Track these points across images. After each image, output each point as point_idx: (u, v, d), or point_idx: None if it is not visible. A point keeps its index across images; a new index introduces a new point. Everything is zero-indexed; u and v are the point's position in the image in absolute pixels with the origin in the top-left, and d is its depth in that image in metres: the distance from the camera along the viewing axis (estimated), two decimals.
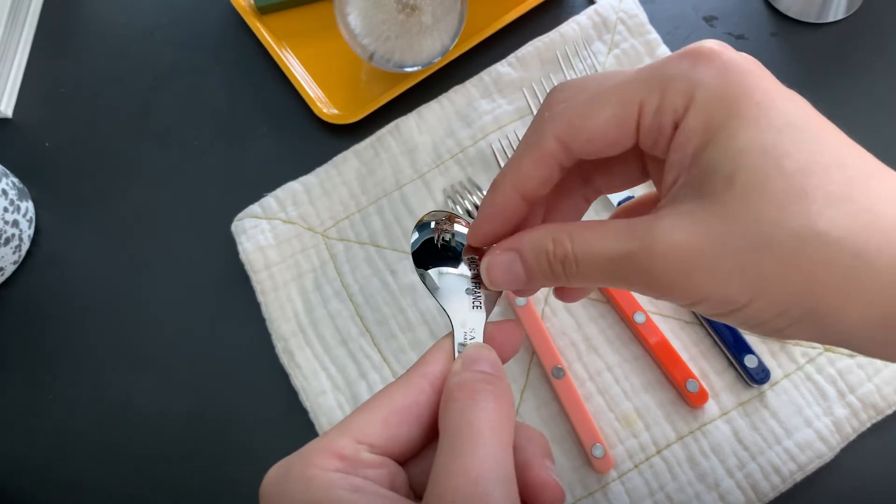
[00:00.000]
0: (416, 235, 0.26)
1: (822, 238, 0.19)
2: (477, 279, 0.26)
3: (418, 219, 0.27)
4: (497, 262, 0.24)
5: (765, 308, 0.20)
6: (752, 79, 0.21)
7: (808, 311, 0.20)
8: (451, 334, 0.25)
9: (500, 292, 0.26)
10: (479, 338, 0.25)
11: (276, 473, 0.22)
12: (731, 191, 0.20)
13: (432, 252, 0.26)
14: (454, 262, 0.26)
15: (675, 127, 0.21)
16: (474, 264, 0.26)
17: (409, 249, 0.42)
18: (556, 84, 0.25)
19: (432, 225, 0.26)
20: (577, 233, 0.22)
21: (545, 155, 0.23)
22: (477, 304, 0.25)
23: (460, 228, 0.26)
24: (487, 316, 0.25)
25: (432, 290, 0.25)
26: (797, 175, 0.19)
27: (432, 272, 0.25)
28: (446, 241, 0.26)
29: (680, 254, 0.20)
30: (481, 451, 0.20)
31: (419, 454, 0.24)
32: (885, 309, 0.19)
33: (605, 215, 0.41)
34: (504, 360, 0.25)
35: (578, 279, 0.23)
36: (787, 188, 0.19)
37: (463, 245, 0.26)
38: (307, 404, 0.40)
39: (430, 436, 0.23)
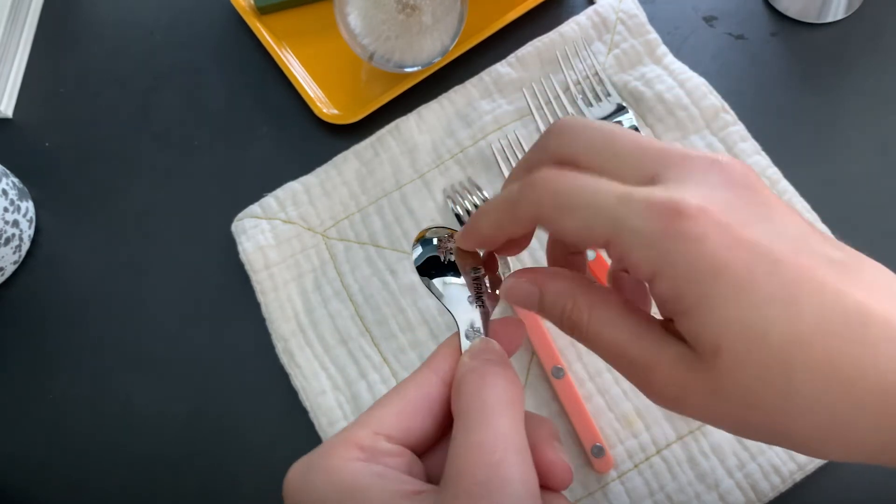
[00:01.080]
0: (419, 250, 0.28)
1: (803, 407, 0.20)
2: (478, 281, 0.27)
3: (419, 233, 0.28)
4: (519, 289, 0.25)
5: (752, 435, 0.22)
6: (726, 254, 0.20)
7: (794, 445, 0.21)
8: (458, 333, 0.26)
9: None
10: (484, 334, 0.26)
11: (298, 468, 0.23)
12: (718, 360, 0.20)
13: (435, 263, 0.28)
14: (456, 272, 0.27)
15: (643, 280, 0.22)
16: (477, 269, 0.27)
17: (409, 250, 0.42)
18: (560, 117, 0.25)
19: (434, 242, 0.28)
20: (596, 310, 0.23)
21: (523, 226, 0.24)
22: (480, 303, 0.27)
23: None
24: (490, 314, 0.27)
25: (438, 296, 0.27)
26: (778, 349, 0.20)
27: (437, 282, 0.27)
28: (451, 260, 0.28)
29: (675, 389, 0.22)
30: (496, 424, 0.22)
31: (433, 447, 0.25)
32: (867, 455, 0.21)
33: None
34: (507, 356, 0.26)
35: (586, 345, 0.24)
36: (769, 361, 0.20)
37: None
38: (307, 404, 0.40)
39: (442, 428, 0.25)
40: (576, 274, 0.25)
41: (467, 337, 0.26)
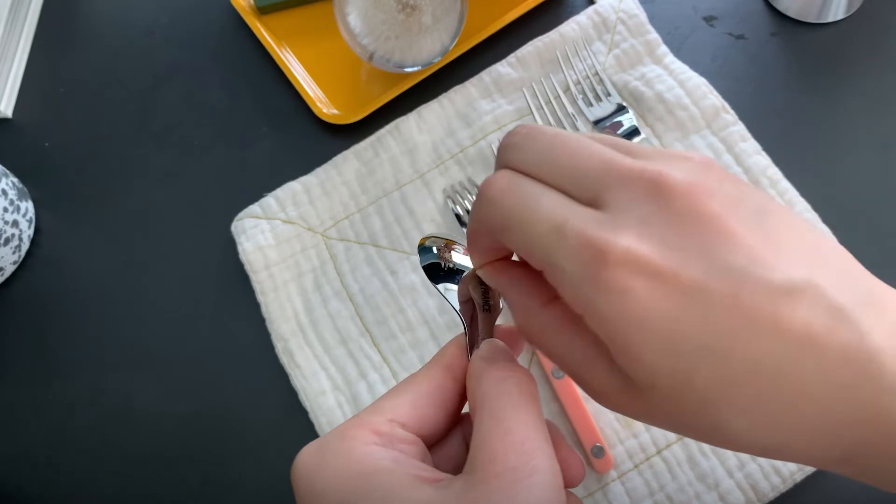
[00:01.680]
0: (419, 257, 0.30)
1: (732, 439, 0.21)
2: (485, 285, 0.27)
3: (420, 240, 0.30)
4: (492, 282, 0.26)
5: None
6: (654, 305, 0.20)
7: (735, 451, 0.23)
8: (465, 333, 0.26)
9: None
10: (489, 337, 0.26)
11: (311, 449, 0.23)
12: (652, 396, 0.21)
13: (438, 269, 0.29)
14: (455, 278, 0.29)
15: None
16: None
17: (408, 250, 0.42)
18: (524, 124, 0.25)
19: (434, 251, 0.29)
20: (547, 333, 0.23)
21: (486, 237, 0.24)
22: (486, 307, 0.27)
23: (458, 257, 0.29)
24: (496, 319, 0.27)
25: (443, 297, 0.28)
26: (704, 392, 0.20)
27: (440, 287, 0.28)
28: (450, 267, 0.29)
29: (619, 406, 0.22)
30: (523, 416, 0.22)
31: (439, 443, 0.25)
32: (812, 465, 0.22)
33: None
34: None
35: None
36: (698, 401, 0.20)
37: (462, 268, 0.29)
38: (307, 404, 0.40)
39: (451, 423, 0.25)
40: (534, 285, 0.24)
41: (474, 338, 0.26)
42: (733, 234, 0.20)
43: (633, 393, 0.21)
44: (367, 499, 0.21)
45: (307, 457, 0.23)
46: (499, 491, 0.20)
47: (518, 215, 0.22)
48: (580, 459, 0.25)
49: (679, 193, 0.21)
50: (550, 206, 0.21)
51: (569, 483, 0.24)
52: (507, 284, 0.24)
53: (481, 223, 0.23)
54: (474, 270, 0.27)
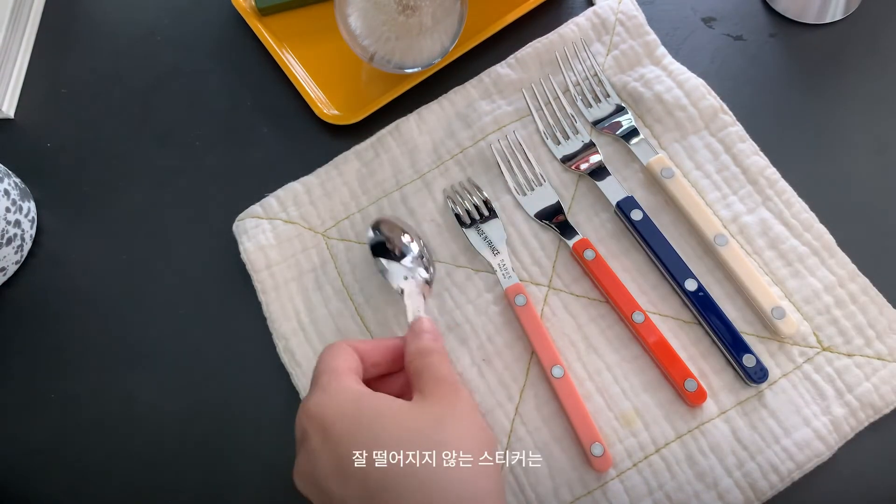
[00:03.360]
0: (370, 234, 0.41)
1: None
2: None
3: (374, 222, 0.41)
4: None
5: None
6: None
7: None
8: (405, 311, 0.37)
9: (430, 282, 0.39)
10: (422, 312, 0.36)
11: (315, 393, 0.31)
12: None
13: (384, 248, 0.40)
14: (401, 257, 0.40)
15: None
16: (421, 261, 0.40)
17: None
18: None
19: (381, 231, 0.41)
20: None
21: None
22: (420, 290, 0.38)
23: (406, 240, 0.40)
24: (426, 299, 0.38)
25: (391, 280, 0.39)
26: None
27: (383, 260, 0.40)
28: (401, 251, 0.40)
29: None
30: (448, 368, 0.32)
31: (384, 378, 0.34)
32: None
33: (602, 216, 0.42)
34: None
35: None
36: None
37: (407, 250, 0.40)
38: None
39: (392, 369, 0.34)
40: None
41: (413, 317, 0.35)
42: None
43: None
44: (366, 411, 0.30)
45: (315, 398, 0.30)
46: (445, 404, 0.30)
47: None
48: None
49: None
50: None
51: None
52: None
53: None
54: None
